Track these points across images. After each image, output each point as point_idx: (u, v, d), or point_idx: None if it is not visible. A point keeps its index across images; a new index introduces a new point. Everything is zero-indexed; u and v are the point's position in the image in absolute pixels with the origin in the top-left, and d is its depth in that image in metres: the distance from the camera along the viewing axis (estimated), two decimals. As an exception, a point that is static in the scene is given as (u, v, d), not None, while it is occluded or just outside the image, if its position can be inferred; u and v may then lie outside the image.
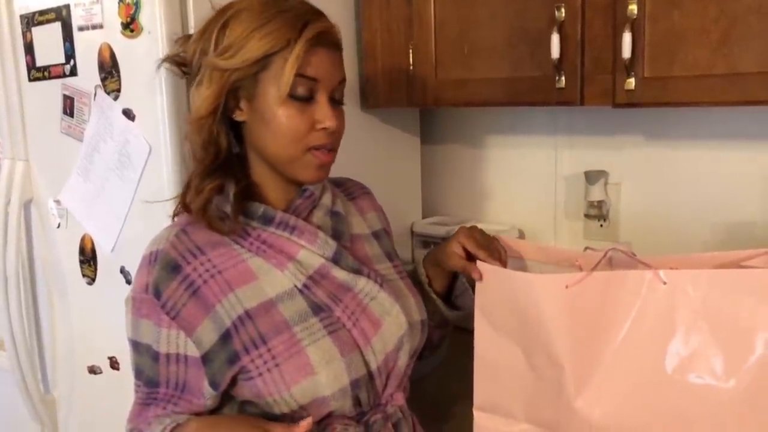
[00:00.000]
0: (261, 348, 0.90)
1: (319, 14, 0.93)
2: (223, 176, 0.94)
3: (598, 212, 1.58)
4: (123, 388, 1.42)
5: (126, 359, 1.39)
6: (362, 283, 0.97)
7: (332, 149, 0.96)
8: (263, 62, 0.89)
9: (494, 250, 1.02)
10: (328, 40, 0.92)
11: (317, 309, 0.93)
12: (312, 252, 0.95)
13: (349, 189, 1.14)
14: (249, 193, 0.97)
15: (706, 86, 1.12)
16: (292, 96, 0.90)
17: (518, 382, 0.96)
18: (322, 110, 0.92)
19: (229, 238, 0.94)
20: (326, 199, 1.02)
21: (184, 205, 0.97)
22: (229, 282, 0.92)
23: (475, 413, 1.01)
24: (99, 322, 1.45)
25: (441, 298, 1.10)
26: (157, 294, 0.91)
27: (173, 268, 0.91)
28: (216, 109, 0.91)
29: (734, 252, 0.93)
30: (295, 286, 0.94)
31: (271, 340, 0.90)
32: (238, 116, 0.94)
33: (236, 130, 0.97)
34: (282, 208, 0.98)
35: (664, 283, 0.88)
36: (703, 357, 0.86)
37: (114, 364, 1.43)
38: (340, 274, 0.96)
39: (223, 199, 0.95)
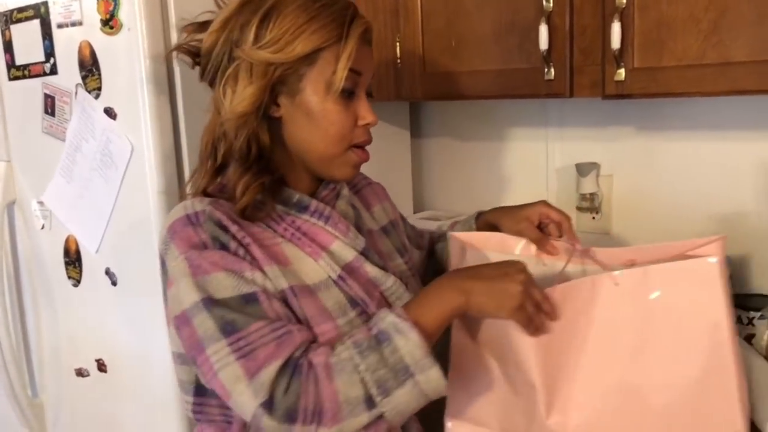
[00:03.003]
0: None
1: (356, 8, 0.92)
2: (264, 173, 0.90)
3: (590, 204, 1.56)
4: (111, 390, 1.42)
5: (113, 361, 1.39)
6: (390, 282, 0.96)
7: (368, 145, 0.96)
8: (311, 57, 0.87)
9: (567, 229, 1.05)
10: (370, 35, 0.94)
11: (354, 303, 0.91)
12: (345, 244, 0.94)
13: (352, 180, 1.11)
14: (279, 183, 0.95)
15: (697, 76, 1.10)
16: (340, 91, 0.89)
17: (494, 394, 0.95)
18: (364, 106, 0.93)
19: (263, 222, 0.91)
20: (345, 190, 1.02)
21: (204, 193, 0.91)
22: (270, 257, 0.87)
23: (448, 421, 0.97)
24: (85, 324, 1.43)
25: None
26: (223, 245, 0.84)
27: (221, 227, 0.85)
28: (260, 105, 0.87)
29: (688, 242, 0.92)
30: (330, 277, 0.91)
31: (318, 325, 0.86)
32: (275, 112, 0.91)
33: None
34: None
35: (616, 284, 0.88)
36: (661, 353, 0.87)
37: (101, 366, 1.41)
38: (371, 269, 0.95)
39: None
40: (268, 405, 0.75)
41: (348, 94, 0.90)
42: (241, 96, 0.86)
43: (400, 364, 0.77)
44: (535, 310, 0.86)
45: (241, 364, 0.77)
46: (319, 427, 0.75)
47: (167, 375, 1.26)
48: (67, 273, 1.42)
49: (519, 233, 1.08)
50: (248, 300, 0.82)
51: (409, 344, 0.78)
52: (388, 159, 1.74)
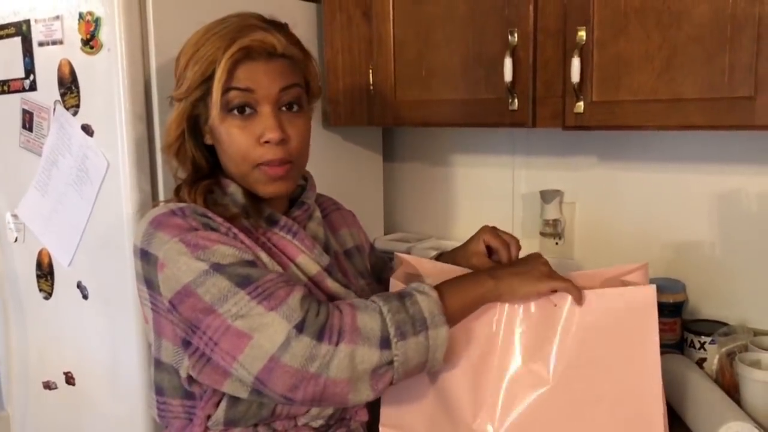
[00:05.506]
0: None
1: (252, 28, 0.92)
2: (211, 179, 0.98)
3: (553, 230, 1.62)
4: (78, 403, 1.42)
5: (82, 374, 1.40)
6: (352, 298, 0.98)
7: (285, 162, 0.94)
8: (204, 87, 0.92)
9: (514, 247, 1.07)
10: (259, 51, 0.91)
11: None
12: (310, 258, 0.98)
13: (322, 205, 1.16)
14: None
15: (650, 111, 1.17)
16: (232, 111, 0.92)
17: (422, 405, 0.99)
18: (265, 122, 0.92)
19: (236, 228, 0.94)
20: (317, 212, 1.06)
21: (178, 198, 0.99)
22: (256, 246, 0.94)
23: (381, 429, 1.02)
24: (55, 337, 1.44)
25: None
26: (213, 230, 0.90)
27: (208, 218, 0.92)
28: (180, 135, 0.96)
29: (615, 267, 1.00)
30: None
31: None
32: (208, 141, 0.98)
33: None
34: None
35: (554, 306, 0.92)
36: (593, 372, 0.91)
37: (69, 379, 1.42)
38: (333, 285, 0.99)
39: (227, 198, 0.97)
40: (300, 325, 0.80)
41: (245, 113, 0.92)
42: (166, 130, 0.97)
43: (419, 315, 0.83)
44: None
45: (264, 305, 0.82)
46: (340, 344, 0.80)
47: (135, 388, 1.28)
48: (39, 286, 1.44)
49: (474, 268, 1.06)
50: (251, 264, 0.87)
51: (428, 301, 0.84)
52: (361, 182, 1.78)
